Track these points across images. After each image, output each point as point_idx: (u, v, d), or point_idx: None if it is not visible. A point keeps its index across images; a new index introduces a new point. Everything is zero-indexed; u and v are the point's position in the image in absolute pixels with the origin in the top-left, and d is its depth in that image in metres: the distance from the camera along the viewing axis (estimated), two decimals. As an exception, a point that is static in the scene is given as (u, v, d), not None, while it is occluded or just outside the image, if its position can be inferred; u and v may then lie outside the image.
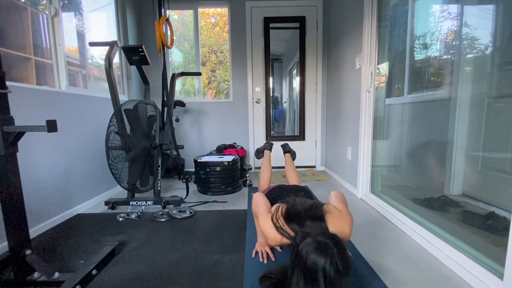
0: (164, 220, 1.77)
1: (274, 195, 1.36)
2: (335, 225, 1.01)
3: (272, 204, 1.20)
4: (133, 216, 1.83)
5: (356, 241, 1.43)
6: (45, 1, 1.88)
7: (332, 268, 0.83)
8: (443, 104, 1.54)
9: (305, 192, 1.40)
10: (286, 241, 1.03)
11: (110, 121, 1.84)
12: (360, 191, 2.17)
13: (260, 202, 1.19)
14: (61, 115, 1.82)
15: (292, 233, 1.00)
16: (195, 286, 1.08)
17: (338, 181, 2.76)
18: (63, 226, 1.72)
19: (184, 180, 2.29)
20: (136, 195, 2.19)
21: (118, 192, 2.46)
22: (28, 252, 1.11)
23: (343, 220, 1.03)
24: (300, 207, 1.06)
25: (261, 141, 3.34)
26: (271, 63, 3.27)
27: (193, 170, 2.56)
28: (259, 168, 2.49)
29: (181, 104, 2.99)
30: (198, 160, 2.45)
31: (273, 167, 3.31)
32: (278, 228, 1.03)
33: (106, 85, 1.97)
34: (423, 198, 1.64)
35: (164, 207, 2.00)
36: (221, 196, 2.32)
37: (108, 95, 2.03)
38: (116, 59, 2.68)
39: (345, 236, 1.00)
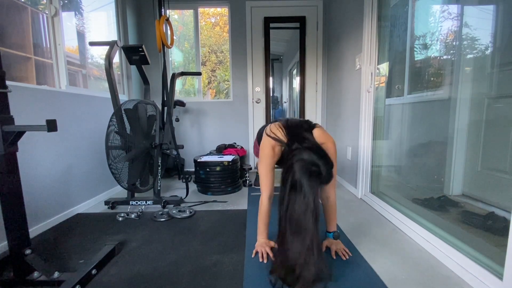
0: (164, 220, 1.77)
1: None
2: (321, 136, 1.25)
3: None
4: (133, 216, 1.83)
5: (355, 241, 1.43)
6: (45, 1, 1.88)
7: (308, 161, 0.99)
8: (443, 104, 1.55)
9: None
10: (278, 149, 1.21)
11: (110, 120, 1.84)
12: (360, 191, 2.18)
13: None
14: (61, 115, 1.82)
15: (285, 139, 1.18)
16: (194, 286, 1.08)
17: (338, 181, 2.77)
18: (63, 225, 1.72)
19: (184, 180, 2.29)
20: (136, 194, 2.19)
21: (118, 191, 2.45)
22: (27, 251, 1.11)
23: (328, 136, 1.31)
24: (294, 121, 1.27)
25: (261, 141, 3.34)
26: (271, 63, 3.27)
27: (193, 170, 2.56)
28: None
29: (181, 104, 2.99)
30: (198, 160, 2.45)
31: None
32: (273, 137, 1.20)
33: (106, 85, 1.97)
34: (423, 198, 1.64)
35: (164, 207, 2.00)
36: (221, 196, 2.32)
37: (108, 95, 2.03)
38: (116, 59, 2.68)
39: (328, 147, 1.23)
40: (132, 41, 2.84)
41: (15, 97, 1.45)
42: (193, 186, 2.58)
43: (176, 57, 3.59)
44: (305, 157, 1.02)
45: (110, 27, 2.68)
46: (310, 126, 1.27)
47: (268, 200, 1.27)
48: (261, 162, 1.27)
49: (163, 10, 2.24)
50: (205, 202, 2.17)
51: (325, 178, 1.01)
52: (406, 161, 1.88)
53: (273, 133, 1.21)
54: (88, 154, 2.07)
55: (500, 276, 0.97)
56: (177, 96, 3.37)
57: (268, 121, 3.29)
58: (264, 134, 1.27)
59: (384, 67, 1.99)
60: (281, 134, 1.20)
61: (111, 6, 2.64)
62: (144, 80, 2.44)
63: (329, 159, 1.03)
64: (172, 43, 2.37)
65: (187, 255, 1.33)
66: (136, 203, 2.04)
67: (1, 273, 1.11)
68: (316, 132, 1.25)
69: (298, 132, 1.19)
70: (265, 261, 1.22)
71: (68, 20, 2.14)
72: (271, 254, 1.25)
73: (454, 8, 1.51)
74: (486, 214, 1.30)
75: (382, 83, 2.02)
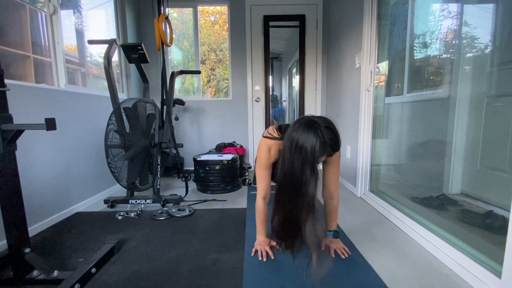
0: (163, 218, 1.78)
1: None
2: None
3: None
4: (132, 215, 1.83)
5: (355, 240, 1.43)
6: (43, -1, 1.87)
7: (318, 141, 0.97)
8: (442, 103, 1.55)
9: None
10: (277, 146, 1.19)
11: (109, 119, 1.84)
12: (359, 190, 2.18)
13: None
14: (60, 113, 1.81)
15: (280, 135, 1.18)
16: (194, 284, 1.09)
17: (337, 180, 2.77)
18: (62, 224, 1.72)
19: (183, 179, 2.29)
20: (136, 193, 2.19)
21: (117, 190, 2.45)
22: (27, 250, 1.11)
23: None
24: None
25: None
26: (271, 62, 3.27)
27: (193, 168, 2.56)
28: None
29: (180, 102, 2.98)
30: (198, 159, 2.45)
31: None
32: (268, 137, 1.21)
33: (105, 83, 1.97)
34: (422, 197, 1.65)
35: (163, 205, 2.00)
36: (220, 195, 2.32)
37: (107, 94, 2.02)
38: (115, 57, 2.67)
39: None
40: (131, 39, 2.83)
41: (14, 95, 1.44)
42: (192, 185, 2.58)
43: (175, 56, 3.58)
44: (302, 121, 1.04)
45: (109, 25, 2.67)
46: None
47: (263, 200, 1.28)
48: (257, 163, 1.29)
49: (162, 8, 2.23)
50: (205, 200, 2.17)
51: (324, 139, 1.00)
52: (405, 159, 1.88)
53: (268, 133, 1.23)
54: (87, 153, 2.07)
55: (498, 274, 0.98)
56: (177, 94, 3.36)
57: (267, 120, 3.30)
58: (261, 137, 1.28)
59: (384, 66, 1.99)
60: (276, 134, 1.22)
61: (110, 4, 2.63)
62: (143, 78, 2.43)
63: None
64: (171, 42, 2.37)
65: (187, 254, 1.33)
66: (136, 201, 2.04)
67: (1, 271, 1.11)
68: None
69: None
70: (264, 259, 1.22)
71: (67, 18, 2.13)
72: (270, 253, 1.25)
73: (453, 7, 1.51)
74: (485, 213, 1.30)
75: (382, 81, 2.01)
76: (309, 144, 0.97)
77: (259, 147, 1.27)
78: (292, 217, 1.10)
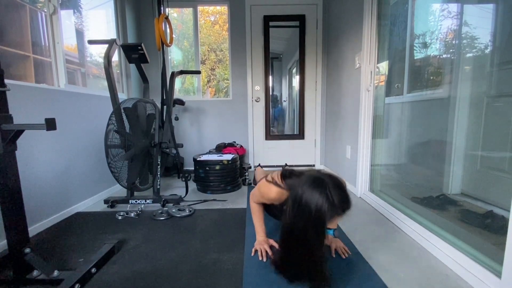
0: (163, 218, 1.78)
1: None
2: None
3: None
4: (132, 215, 1.83)
5: (355, 240, 1.43)
6: (43, -1, 1.87)
7: (327, 202, 0.87)
8: (442, 103, 1.54)
9: None
10: (279, 194, 1.11)
11: (109, 119, 1.84)
12: (359, 189, 2.18)
13: (259, 173, 1.27)
14: (60, 113, 1.81)
15: (285, 185, 1.09)
16: (194, 284, 1.09)
17: (337, 180, 2.76)
18: (62, 224, 1.72)
19: (183, 179, 2.29)
20: (136, 193, 2.19)
21: (117, 190, 2.45)
22: (27, 250, 1.11)
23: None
24: (295, 171, 1.15)
25: (260, 140, 3.35)
26: (271, 62, 3.27)
27: (193, 168, 2.56)
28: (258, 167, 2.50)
29: (180, 102, 2.98)
30: (198, 159, 2.45)
31: (272, 166, 3.33)
32: (271, 182, 1.14)
33: (105, 84, 1.97)
34: (422, 197, 1.65)
35: (163, 205, 2.00)
36: (220, 195, 2.32)
37: (107, 94, 2.02)
38: (115, 57, 2.67)
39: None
40: (131, 39, 2.83)
41: (14, 95, 1.44)
42: (192, 185, 2.58)
43: (175, 56, 3.58)
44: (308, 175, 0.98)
45: (109, 26, 2.67)
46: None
47: (256, 203, 1.32)
48: (252, 196, 1.31)
49: (162, 8, 2.23)
50: (205, 201, 2.17)
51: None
52: (405, 159, 1.88)
53: (272, 178, 1.17)
54: (87, 153, 2.07)
55: (498, 274, 0.98)
56: (177, 94, 3.36)
57: (267, 120, 3.30)
58: (264, 180, 1.23)
59: (384, 66, 1.99)
60: (279, 181, 1.14)
61: (110, 4, 2.63)
62: (144, 78, 2.43)
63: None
64: (171, 42, 2.37)
65: (187, 254, 1.33)
66: (136, 201, 2.04)
67: (1, 272, 1.11)
68: None
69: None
70: (264, 259, 1.23)
71: (67, 18, 2.13)
72: (270, 252, 1.25)
73: (453, 7, 1.51)
74: (484, 213, 1.30)
75: (382, 82, 2.01)
76: (316, 205, 0.88)
77: (260, 186, 1.23)
78: (296, 266, 1.02)
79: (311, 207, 0.88)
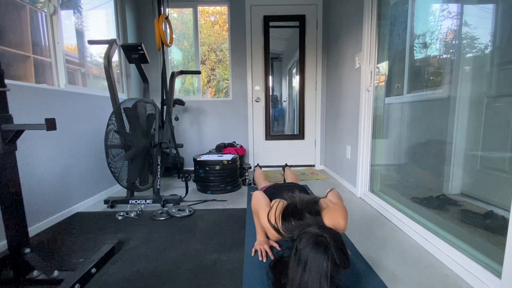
0: (163, 218, 1.78)
1: (272, 191, 1.39)
2: (331, 218, 1.07)
3: (270, 200, 1.23)
4: (132, 215, 1.83)
5: (354, 240, 1.43)
6: (43, -1, 1.87)
7: (329, 262, 0.87)
8: (442, 103, 1.54)
9: (300, 189, 1.41)
10: (278, 238, 1.10)
11: (109, 119, 1.84)
12: (359, 190, 2.18)
13: (260, 199, 1.26)
14: (60, 114, 1.81)
15: (287, 233, 1.07)
16: (194, 284, 1.09)
17: (337, 180, 2.77)
18: (62, 224, 1.72)
19: (183, 179, 2.29)
20: (136, 193, 2.19)
21: (117, 190, 2.45)
22: (27, 250, 1.11)
23: (338, 213, 1.08)
24: (298, 204, 1.11)
25: (260, 140, 3.35)
26: (271, 62, 3.27)
27: (193, 168, 2.56)
28: (258, 167, 2.50)
29: (180, 102, 2.98)
30: (198, 159, 2.45)
31: (272, 166, 3.33)
32: (276, 229, 1.10)
33: (105, 84, 1.97)
34: (422, 197, 1.65)
35: (163, 205, 2.00)
36: (220, 195, 2.32)
37: (107, 94, 2.02)
38: (115, 58, 2.67)
39: (340, 227, 1.05)
40: (131, 39, 2.83)
41: (14, 95, 1.44)
42: (192, 185, 2.58)
43: (175, 56, 3.58)
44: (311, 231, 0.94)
45: (109, 26, 2.67)
46: (317, 210, 1.11)
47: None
48: (254, 212, 1.28)
49: (162, 8, 2.23)
50: (205, 201, 2.17)
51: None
52: (405, 160, 1.88)
53: (274, 216, 1.12)
54: (87, 153, 2.07)
55: (498, 274, 0.98)
56: (177, 95, 3.36)
57: (267, 120, 3.30)
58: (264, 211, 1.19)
59: (384, 66, 1.99)
60: (280, 224, 1.10)
61: (110, 4, 2.63)
62: (144, 79, 2.43)
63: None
64: (171, 42, 2.37)
65: (187, 254, 1.33)
66: (136, 202, 2.04)
67: (1, 272, 1.11)
68: (325, 214, 1.10)
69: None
70: (264, 259, 1.22)
71: (67, 18, 2.13)
72: (270, 253, 1.25)
73: (453, 7, 1.51)
74: (485, 213, 1.30)
75: (382, 82, 2.02)
76: (321, 267, 0.87)
77: (260, 216, 1.19)
78: None
79: (315, 273, 0.88)
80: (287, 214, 1.09)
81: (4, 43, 1.62)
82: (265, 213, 1.16)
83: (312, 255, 0.90)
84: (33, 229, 1.56)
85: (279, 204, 1.15)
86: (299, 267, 0.91)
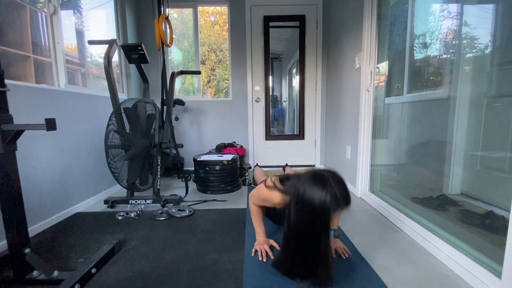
0: (163, 219, 1.77)
1: None
2: None
3: None
4: (132, 215, 1.83)
5: (355, 240, 1.43)
6: (43, -1, 1.87)
7: (329, 195, 0.87)
8: (442, 103, 1.54)
9: None
10: (281, 199, 1.10)
11: (109, 119, 1.84)
12: (359, 190, 2.18)
13: (258, 172, 1.26)
14: (60, 114, 1.81)
15: (286, 190, 1.08)
16: (194, 284, 1.09)
17: (338, 180, 2.76)
18: (62, 224, 1.72)
19: (183, 179, 2.29)
20: (136, 193, 2.18)
21: (117, 190, 2.45)
22: (27, 250, 1.11)
23: None
24: (291, 174, 1.17)
25: (260, 140, 3.35)
26: (271, 62, 3.27)
27: (193, 169, 2.56)
28: (257, 167, 2.50)
29: (180, 102, 2.98)
30: (198, 159, 2.45)
31: (272, 166, 3.33)
32: (272, 188, 1.14)
33: (105, 84, 1.97)
34: (422, 197, 1.64)
35: (163, 206, 2.00)
36: (220, 195, 2.32)
37: (107, 94, 2.02)
38: (115, 58, 2.67)
39: None
40: (131, 39, 2.83)
41: (14, 95, 1.44)
42: (192, 185, 2.58)
43: (175, 56, 3.58)
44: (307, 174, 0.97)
45: (109, 26, 2.68)
46: None
47: (256, 205, 1.32)
48: (251, 198, 1.31)
49: (162, 8, 2.23)
50: (205, 201, 2.17)
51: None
52: (405, 160, 1.88)
53: (271, 182, 1.18)
54: (87, 153, 2.07)
55: (498, 274, 0.98)
56: (177, 95, 3.36)
57: (267, 120, 3.30)
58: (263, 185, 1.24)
59: (384, 66, 1.99)
60: (278, 185, 1.15)
61: (110, 5, 2.63)
62: (144, 79, 2.43)
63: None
64: (171, 42, 2.37)
65: (187, 254, 1.33)
66: (136, 202, 2.04)
67: (1, 272, 1.12)
68: None
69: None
70: (264, 259, 1.22)
71: (67, 18, 2.13)
72: (270, 253, 1.25)
73: (453, 7, 1.51)
74: (485, 213, 1.30)
75: (382, 82, 2.02)
76: (319, 200, 0.88)
77: (260, 192, 1.23)
78: (302, 265, 1.03)
79: (314, 203, 0.88)
80: (283, 178, 1.15)
81: (4, 43, 1.62)
82: (263, 182, 1.21)
83: (310, 190, 0.89)
84: (33, 229, 1.56)
85: (274, 176, 1.23)
86: (298, 206, 0.92)
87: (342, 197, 0.89)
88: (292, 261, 1.05)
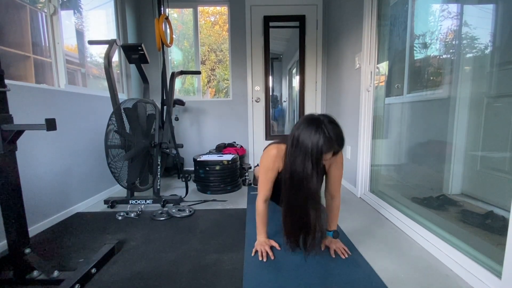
0: (163, 219, 1.77)
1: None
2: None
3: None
4: (132, 215, 1.83)
5: (355, 240, 1.43)
6: (44, -1, 1.87)
7: (321, 134, 0.94)
8: (442, 103, 1.54)
9: None
10: (279, 150, 1.17)
11: (110, 119, 1.84)
12: (359, 190, 2.18)
13: (258, 170, 1.44)
14: (60, 114, 1.81)
15: (281, 138, 1.19)
16: (194, 284, 1.09)
17: (338, 180, 2.76)
18: (62, 224, 1.72)
19: (183, 179, 2.29)
20: (136, 193, 2.18)
21: (118, 190, 2.45)
22: (27, 250, 1.11)
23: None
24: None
25: (260, 140, 3.35)
26: (271, 62, 3.27)
27: (193, 169, 2.55)
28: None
29: (180, 103, 2.98)
30: (198, 159, 2.45)
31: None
32: (272, 143, 1.22)
33: (105, 84, 1.97)
34: (422, 197, 1.64)
35: (163, 206, 2.00)
36: (220, 195, 2.32)
37: (107, 94, 2.02)
38: (115, 58, 2.67)
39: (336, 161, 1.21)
40: (131, 40, 2.83)
41: (14, 96, 1.44)
42: (192, 185, 2.58)
43: (175, 56, 3.58)
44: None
45: (109, 26, 2.68)
46: None
47: (264, 202, 1.28)
48: (260, 167, 1.29)
49: (162, 8, 2.23)
50: (205, 201, 2.17)
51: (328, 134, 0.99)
52: (405, 160, 1.88)
53: (272, 143, 1.25)
54: (87, 153, 2.07)
55: (498, 274, 0.98)
56: (177, 95, 3.36)
57: (268, 120, 3.30)
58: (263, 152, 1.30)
59: (384, 66, 1.99)
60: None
61: (110, 5, 2.63)
62: (144, 79, 2.44)
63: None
64: (171, 42, 2.37)
65: (187, 254, 1.33)
66: (136, 202, 2.04)
67: (1, 272, 1.11)
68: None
69: None
70: (264, 260, 1.22)
71: (67, 18, 2.13)
72: (270, 253, 1.25)
73: (453, 7, 1.51)
74: (485, 213, 1.30)
75: (382, 82, 2.02)
76: (313, 139, 0.95)
77: (263, 156, 1.27)
78: (297, 211, 1.11)
79: (308, 143, 0.94)
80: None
81: (4, 43, 1.62)
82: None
83: (305, 131, 0.96)
84: (33, 229, 1.56)
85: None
86: (293, 148, 0.99)
87: (335, 137, 0.96)
88: (291, 211, 1.11)
